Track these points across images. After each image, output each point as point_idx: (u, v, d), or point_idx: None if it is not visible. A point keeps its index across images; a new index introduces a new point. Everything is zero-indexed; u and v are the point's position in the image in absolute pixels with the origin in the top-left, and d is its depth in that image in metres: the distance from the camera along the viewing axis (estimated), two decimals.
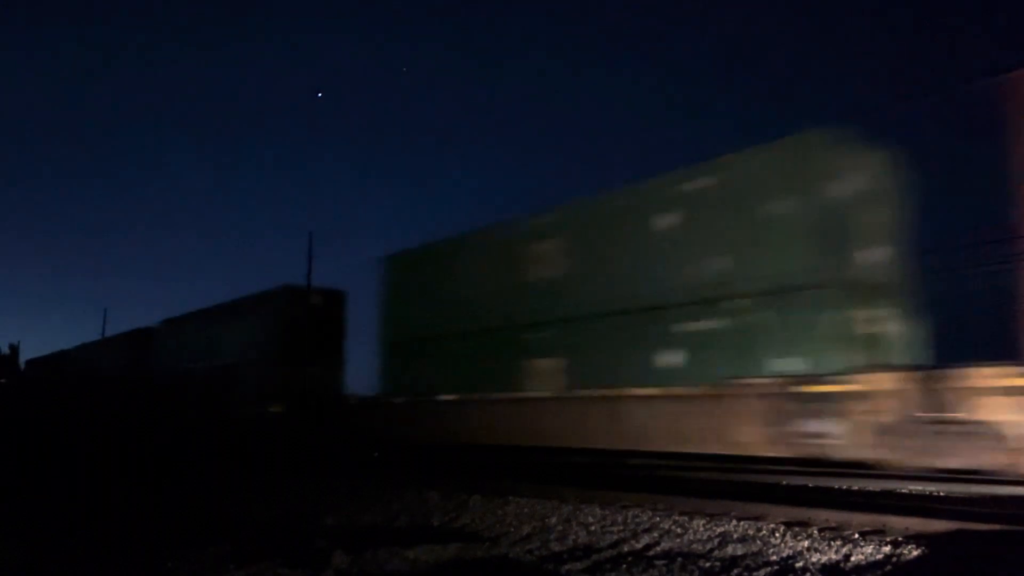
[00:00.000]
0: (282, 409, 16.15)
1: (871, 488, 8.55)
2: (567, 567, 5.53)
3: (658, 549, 5.94)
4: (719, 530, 6.28)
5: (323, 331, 17.05)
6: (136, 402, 22.96)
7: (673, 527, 6.53)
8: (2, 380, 45.98)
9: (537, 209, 12.44)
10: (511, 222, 12.87)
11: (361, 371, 17.16)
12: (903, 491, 8.33)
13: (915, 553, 5.20)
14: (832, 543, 5.58)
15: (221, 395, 18.92)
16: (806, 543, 5.66)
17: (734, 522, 6.49)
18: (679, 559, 5.53)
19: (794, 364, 8.57)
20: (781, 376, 8.49)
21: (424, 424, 13.40)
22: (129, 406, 23.22)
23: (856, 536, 5.73)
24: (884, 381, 7.59)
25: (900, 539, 5.53)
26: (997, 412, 6.78)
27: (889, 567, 5.00)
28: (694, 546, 5.93)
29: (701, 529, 6.37)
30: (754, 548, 5.69)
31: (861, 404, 7.69)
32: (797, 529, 6.14)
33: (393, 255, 15.42)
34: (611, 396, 10.25)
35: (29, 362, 41.17)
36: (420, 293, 14.36)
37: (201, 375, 20.06)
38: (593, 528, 6.79)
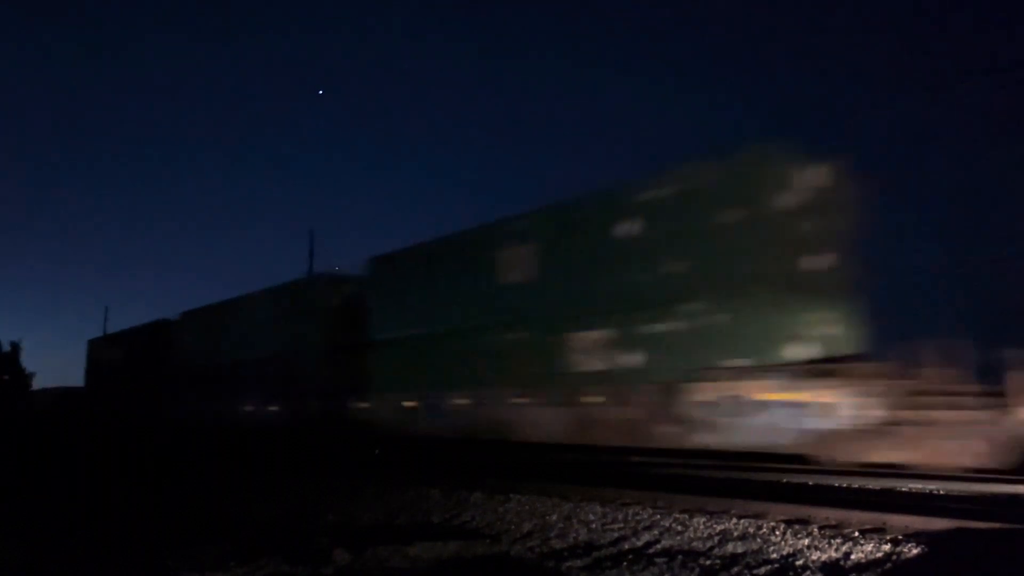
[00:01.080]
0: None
1: (871, 486, 8.55)
2: (568, 564, 5.53)
3: (658, 547, 5.94)
4: (719, 528, 6.29)
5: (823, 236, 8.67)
6: None
7: (674, 525, 6.54)
8: (5, 377, 46.18)
9: None
10: None
11: None
12: (903, 489, 8.34)
13: (915, 551, 5.21)
14: (832, 541, 5.59)
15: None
16: (806, 541, 5.67)
17: (734, 520, 6.50)
18: (679, 557, 5.53)
19: None
20: None
21: None
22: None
23: (856, 534, 5.74)
24: None
25: (900, 537, 5.54)
26: None
27: (889, 565, 5.01)
28: (694, 544, 5.93)
29: (701, 527, 6.38)
30: (754, 546, 5.70)
31: None
32: (797, 527, 6.15)
33: None
34: None
35: (96, 342, 31.63)
36: None
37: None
38: (594, 526, 6.80)
